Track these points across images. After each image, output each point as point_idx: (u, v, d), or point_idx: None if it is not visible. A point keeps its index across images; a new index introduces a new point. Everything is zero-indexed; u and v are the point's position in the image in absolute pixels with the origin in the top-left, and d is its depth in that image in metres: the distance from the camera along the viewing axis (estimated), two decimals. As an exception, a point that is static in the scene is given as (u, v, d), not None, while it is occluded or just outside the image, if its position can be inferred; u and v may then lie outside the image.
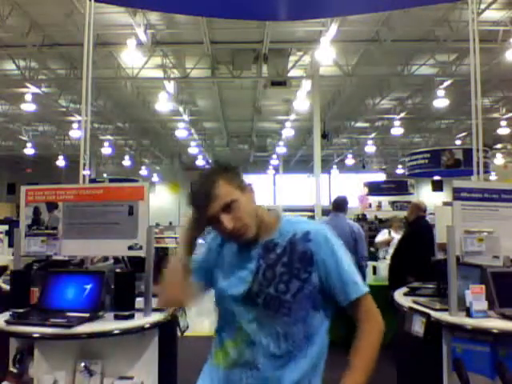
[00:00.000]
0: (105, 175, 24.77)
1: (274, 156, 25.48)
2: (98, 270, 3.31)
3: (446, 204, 4.65)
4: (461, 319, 2.72)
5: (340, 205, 5.73)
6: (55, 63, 12.35)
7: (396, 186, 23.68)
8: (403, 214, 11.78)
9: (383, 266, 5.83)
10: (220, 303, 1.59)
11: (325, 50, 9.72)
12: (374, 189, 23.76)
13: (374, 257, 6.69)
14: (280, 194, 28.40)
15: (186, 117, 16.82)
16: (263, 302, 1.48)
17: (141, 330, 2.70)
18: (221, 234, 1.55)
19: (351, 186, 27.58)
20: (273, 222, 1.56)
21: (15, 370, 2.62)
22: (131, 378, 2.69)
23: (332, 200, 5.99)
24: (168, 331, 2.96)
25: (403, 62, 12.40)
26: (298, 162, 27.93)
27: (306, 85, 12.53)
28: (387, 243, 7.05)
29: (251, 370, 1.49)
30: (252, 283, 1.49)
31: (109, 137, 20.56)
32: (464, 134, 19.76)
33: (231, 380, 1.51)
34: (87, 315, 2.67)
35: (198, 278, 1.63)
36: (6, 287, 3.74)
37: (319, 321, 1.54)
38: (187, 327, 3.10)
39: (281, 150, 21.67)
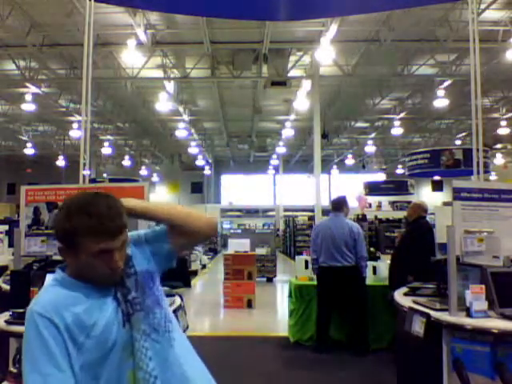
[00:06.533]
0: (105, 175, 24.76)
1: (274, 156, 25.50)
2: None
3: (445, 204, 4.65)
4: (461, 319, 2.72)
5: (339, 205, 5.74)
6: (55, 63, 12.36)
7: (396, 186, 23.67)
8: (403, 213, 11.82)
9: (383, 266, 5.83)
10: (101, 362, 1.33)
11: (325, 49, 9.72)
12: (374, 189, 23.75)
13: (373, 257, 6.67)
14: (280, 194, 28.41)
15: (186, 117, 16.83)
16: (133, 311, 1.41)
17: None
18: (95, 270, 1.34)
19: (351, 186, 27.63)
20: None
21: (15, 370, 2.62)
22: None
23: (331, 200, 6.00)
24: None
25: (403, 62, 12.41)
26: (297, 161, 27.96)
27: (306, 85, 12.53)
28: None
29: None
30: (119, 306, 1.40)
31: (109, 137, 20.58)
32: (464, 134, 19.77)
33: None
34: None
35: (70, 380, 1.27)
36: (6, 287, 3.74)
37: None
38: (187, 327, 3.10)
39: (281, 150, 21.68)
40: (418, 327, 2.88)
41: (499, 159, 22.07)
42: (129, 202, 1.49)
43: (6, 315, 2.73)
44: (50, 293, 1.37)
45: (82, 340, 1.31)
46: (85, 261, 1.33)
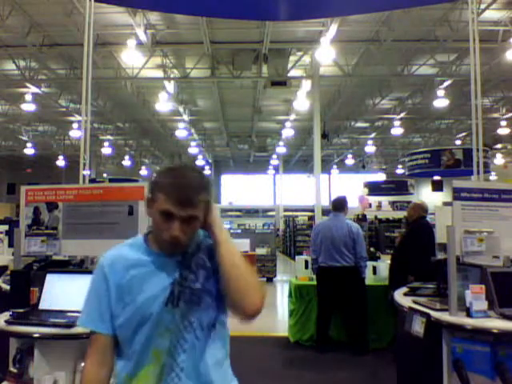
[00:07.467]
0: (105, 175, 24.75)
1: (274, 156, 25.49)
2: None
3: (446, 204, 4.65)
4: (461, 319, 2.72)
5: (339, 205, 5.74)
6: (55, 63, 12.36)
7: (396, 186, 23.67)
8: (403, 214, 11.81)
9: (383, 266, 5.84)
10: (136, 328, 1.43)
11: (325, 49, 9.72)
12: (374, 189, 23.74)
13: (373, 257, 6.67)
14: (280, 193, 28.40)
15: (186, 117, 16.83)
16: (187, 299, 1.46)
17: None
18: (159, 232, 1.45)
19: (351, 186, 27.62)
20: None
21: (15, 370, 2.62)
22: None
23: (332, 200, 6.00)
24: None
25: (403, 62, 12.41)
26: (297, 161, 27.95)
27: (306, 85, 12.53)
28: None
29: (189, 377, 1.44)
30: (173, 285, 1.46)
31: (109, 137, 20.57)
32: (464, 134, 19.76)
33: None
34: (87, 315, 2.65)
35: (105, 328, 1.46)
36: (6, 287, 3.73)
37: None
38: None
39: (281, 149, 21.68)
40: (418, 327, 2.88)
41: (499, 159, 22.05)
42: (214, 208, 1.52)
43: (6, 315, 2.73)
44: (119, 250, 1.56)
45: (128, 301, 1.45)
46: (154, 215, 1.45)
